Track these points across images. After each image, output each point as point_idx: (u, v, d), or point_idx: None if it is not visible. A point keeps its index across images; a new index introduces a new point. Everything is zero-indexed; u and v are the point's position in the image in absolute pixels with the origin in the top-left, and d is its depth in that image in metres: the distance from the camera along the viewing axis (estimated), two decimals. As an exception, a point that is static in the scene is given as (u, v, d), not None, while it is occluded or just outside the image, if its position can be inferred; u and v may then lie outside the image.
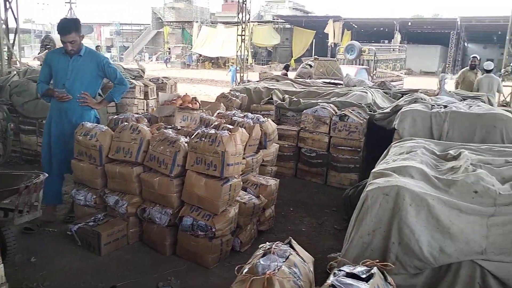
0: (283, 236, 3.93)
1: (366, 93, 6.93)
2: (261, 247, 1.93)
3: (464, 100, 6.05)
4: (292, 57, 37.79)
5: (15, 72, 6.79)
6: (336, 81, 10.80)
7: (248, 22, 18.61)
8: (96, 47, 17.44)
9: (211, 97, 7.51)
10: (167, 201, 3.57)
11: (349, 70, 13.41)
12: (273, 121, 6.01)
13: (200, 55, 40.03)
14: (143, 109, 6.90)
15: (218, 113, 4.83)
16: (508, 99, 12.22)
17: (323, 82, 9.97)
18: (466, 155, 3.20)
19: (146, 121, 4.26)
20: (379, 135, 5.67)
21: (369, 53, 17.75)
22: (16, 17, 8.71)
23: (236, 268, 1.81)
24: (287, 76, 10.70)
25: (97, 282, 3.22)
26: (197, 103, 4.56)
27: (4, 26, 8.26)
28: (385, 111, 5.85)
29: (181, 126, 4.15)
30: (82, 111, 4.14)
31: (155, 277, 3.32)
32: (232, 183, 3.42)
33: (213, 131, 3.46)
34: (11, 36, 8.99)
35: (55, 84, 4.07)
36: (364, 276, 1.59)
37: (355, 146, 5.72)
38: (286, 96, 7.00)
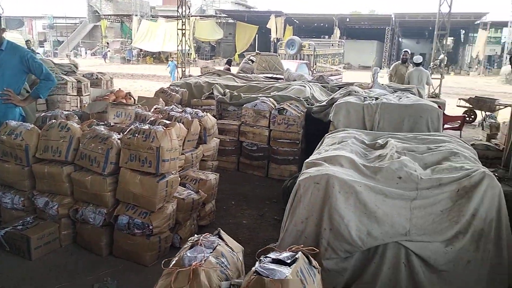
0: (223, 230, 3.94)
1: (305, 87, 7.11)
2: (189, 240, 1.93)
3: (395, 92, 6.39)
4: (236, 52, 37.81)
5: None
6: (277, 76, 10.96)
7: (189, 16, 18.34)
8: (26, 41, 16.30)
9: (152, 93, 7.32)
10: (101, 201, 3.44)
11: (290, 65, 13.67)
12: (214, 116, 6.01)
13: (141, 50, 38.90)
14: (76, 106, 6.58)
15: (155, 108, 4.73)
16: (437, 91, 13.10)
17: (265, 76, 10.09)
18: (392, 143, 3.39)
19: (77, 118, 4.08)
20: (317, 128, 5.85)
21: (309, 48, 18.19)
22: None
23: (163, 262, 1.80)
24: (229, 71, 10.70)
25: (28, 288, 3.06)
26: (132, 98, 4.44)
27: None
28: (321, 104, 6.04)
29: (114, 123, 4.02)
30: (5, 109, 3.89)
31: (90, 279, 3.21)
32: (169, 179, 3.37)
33: (146, 126, 3.38)
34: None
35: (-25, 81, 3.78)
36: (289, 261, 1.65)
37: (293, 139, 5.86)
38: (227, 90, 7.01)
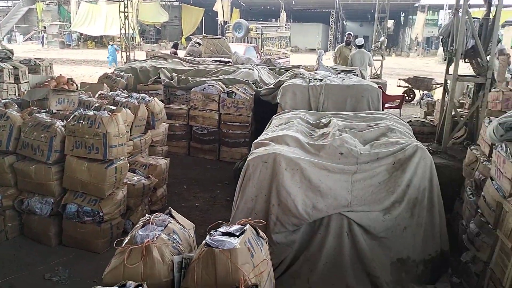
0: (176, 213, 3.99)
1: (253, 70, 7.19)
2: (141, 220, 1.97)
3: (339, 73, 6.64)
4: (183, 35, 36.96)
5: None
6: (225, 59, 10.93)
7: (132, -2, 17.69)
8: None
9: (95, 79, 7.05)
10: (47, 190, 3.36)
11: (238, 48, 13.63)
12: (162, 100, 5.93)
13: (81, 34, 36.92)
14: (14, 94, 6.22)
15: (100, 94, 4.61)
16: (379, 72, 13.68)
17: (213, 60, 10.03)
18: (335, 122, 3.58)
19: (16, 106, 3.90)
20: (266, 110, 5.96)
21: (256, 31, 18.21)
22: None
23: (115, 242, 1.83)
24: (176, 54, 10.52)
25: (-28, 284, 2.95)
26: (74, 84, 4.30)
27: None
28: (269, 87, 6.16)
29: (57, 110, 3.89)
30: None
31: (41, 269, 3.16)
32: (118, 165, 3.35)
33: (91, 112, 3.32)
34: None
35: None
36: (238, 233, 1.75)
37: (243, 122, 5.96)
38: (175, 74, 6.94)
